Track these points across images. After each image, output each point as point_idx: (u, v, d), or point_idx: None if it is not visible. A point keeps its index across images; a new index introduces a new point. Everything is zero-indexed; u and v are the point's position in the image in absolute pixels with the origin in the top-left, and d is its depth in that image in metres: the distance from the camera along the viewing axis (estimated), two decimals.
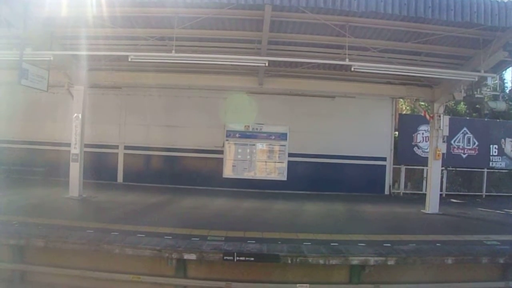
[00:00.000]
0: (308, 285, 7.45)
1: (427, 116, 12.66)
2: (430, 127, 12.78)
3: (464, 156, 17.57)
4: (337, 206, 13.08)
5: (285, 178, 16.52)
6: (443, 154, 12.54)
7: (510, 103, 19.48)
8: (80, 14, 9.44)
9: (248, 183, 16.09)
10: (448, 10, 8.45)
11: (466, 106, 20.65)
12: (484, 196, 17.59)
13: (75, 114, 12.01)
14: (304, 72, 12.41)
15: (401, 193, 17.03)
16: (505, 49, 9.43)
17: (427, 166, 13.47)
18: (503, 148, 17.92)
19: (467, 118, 19.44)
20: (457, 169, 17.74)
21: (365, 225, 10.33)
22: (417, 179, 17.47)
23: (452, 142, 17.09)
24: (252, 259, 7.29)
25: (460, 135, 17.44)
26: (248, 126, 16.45)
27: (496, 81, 12.19)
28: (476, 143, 17.62)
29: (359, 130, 16.25)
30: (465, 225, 10.91)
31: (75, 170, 11.93)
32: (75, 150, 11.98)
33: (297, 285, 7.46)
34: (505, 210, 13.82)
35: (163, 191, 14.28)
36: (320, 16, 9.37)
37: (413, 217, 11.92)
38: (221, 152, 16.47)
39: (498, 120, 18.66)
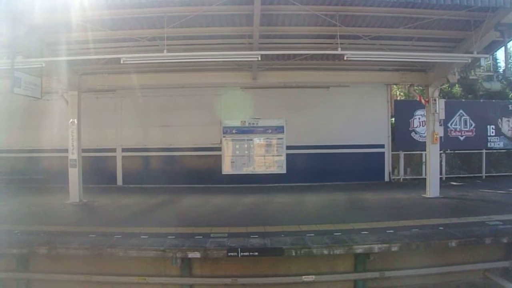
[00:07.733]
0: (313, 276, 7.48)
1: (423, 101, 12.65)
2: (426, 112, 12.79)
3: (461, 138, 17.62)
4: (338, 196, 13.07)
5: (284, 171, 16.52)
6: (440, 137, 12.55)
7: (505, 82, 19.46)
8: (69, 19, 9.35)
9: (248, 178, 16.12)
10: None
11: (461, 89, 20.65)
12: (484, 177, 17.69)
13: (71, 120, 11.99)
14: (297, 64, 12.35)
15: (401, 179, 17.07)
16: (496, 29, 9.44)
17: (425, 150, 13.46)
18: (500, 128, 17.99)
19: (463, 100, 19.46)
20: (456, 151, 17.83)
21: (367, 213, 10.35)
22: (416, 164, 17.50)
23: (449, 125, 17.16)
24: (256, 253, 7.27)
25: (456, 117, 17.49)
26: (245, 122, 16.43)
27: (489, 62, 12.16)
28: (473, 124, 17.67)
29: (355, 118, 16.23)
30: (466, 207, 10.93)
31: (74, 176, 11.93)
32: (72, 155, 11.98)
33: (303, 277, 7.48)
34: (506, 189, 13.88)
35: (163, 191, 14.24)
36: (309, 7, 9.34)
37: (414, 202, 11.93)
38: (219, 149, 16.46)
39: (493, 101, 18.67)
